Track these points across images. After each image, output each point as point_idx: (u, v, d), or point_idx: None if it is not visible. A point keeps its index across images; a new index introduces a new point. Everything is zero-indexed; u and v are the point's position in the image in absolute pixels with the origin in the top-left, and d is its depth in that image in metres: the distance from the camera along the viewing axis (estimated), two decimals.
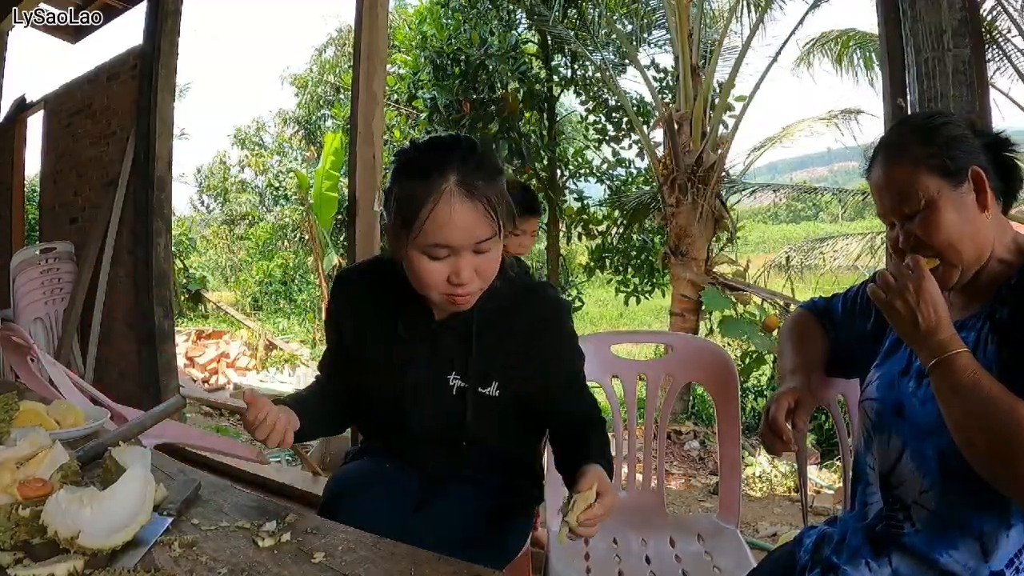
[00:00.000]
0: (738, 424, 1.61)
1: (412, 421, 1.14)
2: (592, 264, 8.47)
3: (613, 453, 1.41)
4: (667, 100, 7.23)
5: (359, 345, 1.17)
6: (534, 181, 8.56)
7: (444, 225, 0.97)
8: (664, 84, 7.84)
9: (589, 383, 1.21)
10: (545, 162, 8.56)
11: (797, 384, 1.15)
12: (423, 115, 8.17)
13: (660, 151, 6.79)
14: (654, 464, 1.64)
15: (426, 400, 1.13)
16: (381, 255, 1.25)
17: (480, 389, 1.11)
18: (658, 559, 1.48)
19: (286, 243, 13.94)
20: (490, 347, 1.11)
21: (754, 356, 5.90)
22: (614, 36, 7.78)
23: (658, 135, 7.01)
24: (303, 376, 7.47)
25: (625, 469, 1.64)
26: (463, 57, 7.56)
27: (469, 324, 1.09)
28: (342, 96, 12.80)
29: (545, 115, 8.66)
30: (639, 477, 1.64)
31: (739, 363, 5.59)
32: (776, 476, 4.44)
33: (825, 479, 4.42)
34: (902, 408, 0.99)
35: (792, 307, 5.29)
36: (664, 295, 8.11)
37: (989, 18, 5.58)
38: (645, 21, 7.59)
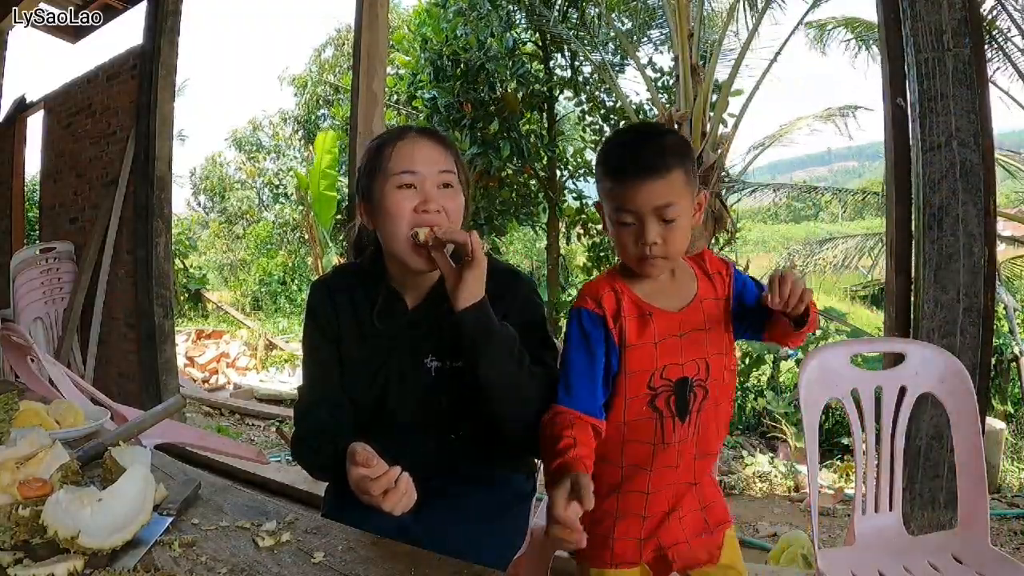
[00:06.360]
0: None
1: (398, 412, 1.15)
2: (590, 264, 8.47)
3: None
4: (664, 101, 7.23)
5: (342, 345, 1.18)
6: (534, 181, 8.55)
7: (408, 154, 1.11)
8: (663, 84, 7.83)
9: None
10: (545, 162, 8.55)
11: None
12: (423, 115, 8.16)
13: None
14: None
15: (407, 388, 1.14)
16: (343, 264, 1.28)
17: (452, 363, 1.13)
18: None
19: (286, 242, 13.95)
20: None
21: (754, 357, 5.90)
22: (613, 35, 7.77)
23: None
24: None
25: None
26: (462, 59, 7.55)
27: (441, 304, 1.09)
28: (341, 96, 12.78)
29: (545, 115, 8.65)
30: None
31: (739, 363, 5.58)
32: (776, 476, 4.43)
33: (825, 479, 4.42)
34: None
35: None
36: None
37: (989, 18, 5.58)
38: (644, 17, 7.57)
